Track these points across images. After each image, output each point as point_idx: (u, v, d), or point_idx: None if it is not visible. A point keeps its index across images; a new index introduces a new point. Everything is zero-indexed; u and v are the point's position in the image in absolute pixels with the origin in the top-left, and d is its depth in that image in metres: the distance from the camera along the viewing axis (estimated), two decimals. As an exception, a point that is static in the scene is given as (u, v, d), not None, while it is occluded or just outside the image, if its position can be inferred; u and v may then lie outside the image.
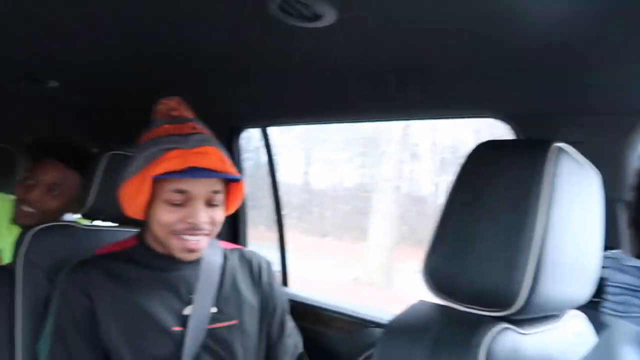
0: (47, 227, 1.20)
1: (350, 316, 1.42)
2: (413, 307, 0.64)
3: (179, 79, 1.32)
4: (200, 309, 1.05)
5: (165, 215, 1.00)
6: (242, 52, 1.09)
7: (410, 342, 0.58)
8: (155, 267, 1.07)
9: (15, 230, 1.33)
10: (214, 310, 1.07)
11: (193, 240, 1.01)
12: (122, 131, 2.14)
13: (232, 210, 1.12)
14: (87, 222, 1.37)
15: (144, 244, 1.11)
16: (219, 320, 1.07)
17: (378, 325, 1.35)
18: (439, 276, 0.61)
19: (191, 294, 1.06)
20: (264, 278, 1.18)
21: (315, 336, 1.26)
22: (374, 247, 7.10)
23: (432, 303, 0.64)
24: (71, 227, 1.26)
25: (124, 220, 1.37)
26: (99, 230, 1.31)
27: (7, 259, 1.48)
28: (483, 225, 0.58)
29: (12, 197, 1.69)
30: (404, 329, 0.60)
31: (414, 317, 0.62)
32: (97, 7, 0.94)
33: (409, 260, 6.65)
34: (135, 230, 1.35)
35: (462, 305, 0.59)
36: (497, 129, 1.26)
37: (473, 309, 0.58)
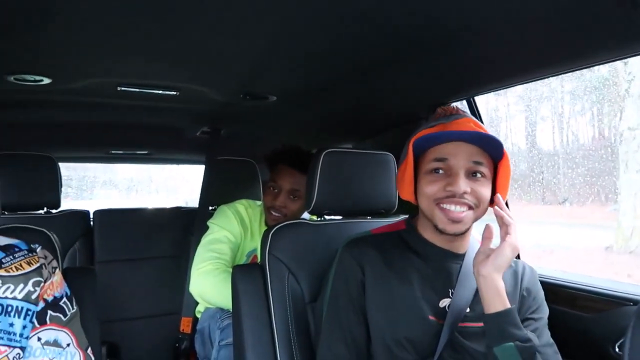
0: (282, 225, 1.37)
1: (600, 294, 1.23)
2: None
3: (379, 64, 1.34)
4: (458, 305, 1.05)
5: (427, 186, 1.05)
6: (439, 22, 1.05)
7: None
8: (419, 253, 1.12)
9: (263, 232, 1.55)
10: (467, 310, 1.06)
11: (455, 211, 1.02)
12: (334, 129, 2.31)
13: (504, 190, 1.08)
14: (315, 218, 1.51)
15: (413, 228, 1.17)
16: (470, 320, 1.05)
17: (637, 303, 1.15)
18: None
19: (449, 288, 1.08)
20: (525, 284, 1.13)
21: (559, 317, 1.13)
22: (628, 210, 6.04)
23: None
24: (301, 224, 1.41)
25: (348, 213, 1.48)
26: (325, 224, 1.43)
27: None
28: None
29: (258, 202, 1.99)
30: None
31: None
32: (310, 29, 1.04)
33: (679, 221, 5.44)
34: (359, 221, 1.43)
35: None
36: None
37: None
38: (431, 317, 1.05)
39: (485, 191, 1.04)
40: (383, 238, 1.17)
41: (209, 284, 1.68)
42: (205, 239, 1.82)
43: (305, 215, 1.91)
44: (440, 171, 1.04)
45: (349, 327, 1.09)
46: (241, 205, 1.91)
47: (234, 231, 1.82)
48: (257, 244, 1.85)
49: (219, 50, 1.24)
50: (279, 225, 1.37)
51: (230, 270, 1.49)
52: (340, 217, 1.51)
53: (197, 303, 1.96)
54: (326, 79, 1.53)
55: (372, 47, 1.21)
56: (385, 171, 1.48)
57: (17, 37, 1.08)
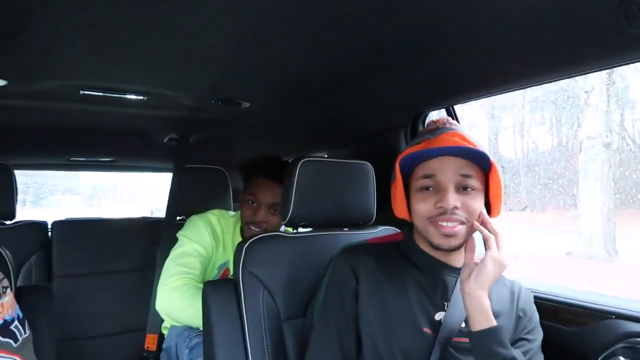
0: (257, 239, 1.31)
1: (581, 307, 1.23)
2: None
3: (357, 73, 1.31)
4: (453, 319, 1.04)
5: (419, 204, 1.04)
6: (418, 32, 1.02)
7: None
8: (416, 263, 1.11)
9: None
10: (463, 325, 1.04)
11: (448, 226, 1.01)
12: (310, 137, 2.27)
13: (497, 201, 1.07)
14: (291, 230, 1.45)
15: (410, 239, 1.15)
16: (465, 335, 1.03)
17: (619, 316, 1.14)
18: None
19: (445, 301, 1.06)
20: (521, 305, 1.11)
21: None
22: (587, 216, 6.25)
23: None
24: (277, 236, 1.35)
25: (325, 225, 1.43)
26: (302, 237, 1.38)
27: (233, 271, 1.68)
28: None
29: (231, 213, 1.91)
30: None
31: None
32: (285, 35, 1.01)
33: (634, 227, 5.69)
34: (337, 233, 1.40)
35: None
36: None
37: None
38: (426, 330, 1.02)
39: (477, 204, 1.03)
40: (379, 247, 1.16)
41: (176, 301, 1.59)
42: (174, 252, 1.72)
43: (282, 228, 1.84)
44: (430, 188, 1.03)
45: (339, 335, 1.07)
46: (213, 216, 1.82)
47: (204, 244, 1.73)
48: (230, 256, 1.77)
49: (189, 53, 1.17)
50: (253, 239, 1.31)
51: (201, 286, 1.42)
52: (311, 229, 1.45)
53: (163, 319, 1.86)
54: (302, 86, 1.48)
55: (349, 55, 1.18)
56: (364, 181, 1.44)
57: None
